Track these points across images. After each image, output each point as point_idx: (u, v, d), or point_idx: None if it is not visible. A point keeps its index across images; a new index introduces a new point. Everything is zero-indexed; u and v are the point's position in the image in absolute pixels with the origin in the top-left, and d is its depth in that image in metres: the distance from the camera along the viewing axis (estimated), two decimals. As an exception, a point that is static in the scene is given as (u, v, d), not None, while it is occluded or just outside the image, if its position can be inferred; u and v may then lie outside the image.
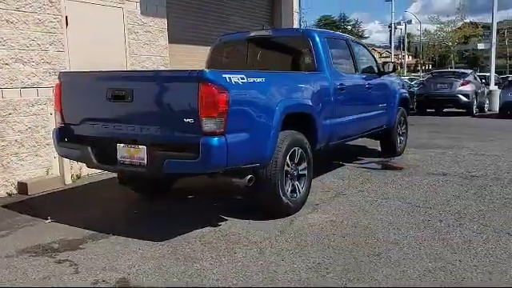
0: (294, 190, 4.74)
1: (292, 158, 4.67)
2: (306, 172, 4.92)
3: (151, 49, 7.75)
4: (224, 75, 3.85)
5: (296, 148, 4.70)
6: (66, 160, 6.22)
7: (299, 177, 4.84)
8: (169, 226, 4.49)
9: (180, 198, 5.65)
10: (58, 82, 4.62)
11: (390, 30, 41.66)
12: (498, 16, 27.11)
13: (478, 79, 19.27)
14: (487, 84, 20.06)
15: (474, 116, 16.67)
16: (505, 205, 5.01)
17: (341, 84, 5.73)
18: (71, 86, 4.55)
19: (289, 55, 5.89)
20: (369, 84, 6.65)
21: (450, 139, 10.30)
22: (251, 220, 4.59)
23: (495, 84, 20.06)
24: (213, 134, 3.75)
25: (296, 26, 11.46)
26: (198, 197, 5.73)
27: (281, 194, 4.51)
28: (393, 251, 3.76)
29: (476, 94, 17.06)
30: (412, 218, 4.61)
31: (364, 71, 6.74)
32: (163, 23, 7.97)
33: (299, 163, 4.82)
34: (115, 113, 4.24)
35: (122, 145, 4.28)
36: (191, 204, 5.47)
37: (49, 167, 6.25)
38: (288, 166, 4.62)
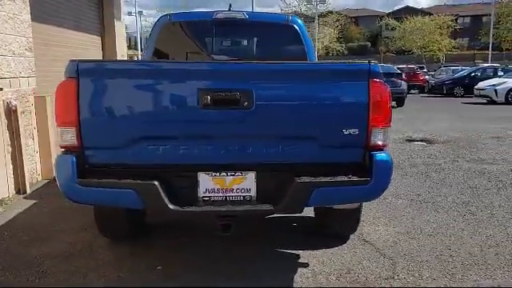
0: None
1: None
2: None
3: (16, 26, 5.35)
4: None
5: None
6: None
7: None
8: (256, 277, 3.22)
9: (167, 237, 4.10)
10: (67, 79, 2.65)
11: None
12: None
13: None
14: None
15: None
16: (486, 191, 5.48)
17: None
18: (105, 85, 2.67)
19: (273, 44, 4.91)
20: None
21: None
22: (318, 250, 3.70)
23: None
24: (381, 147, 2.83)
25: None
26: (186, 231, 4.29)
27: (360, 210, 3.80)
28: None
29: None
30: (458, 217, 4.49)
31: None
32: (25, -10, 5.61)
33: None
34: (212, 126, 2.71)
35: (209, 173, 2.81)
36: (202, 243, 4.02)
37: None
38: None
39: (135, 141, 2.70)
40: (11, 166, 5.12)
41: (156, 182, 2.67)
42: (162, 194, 2.67)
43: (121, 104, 2.69)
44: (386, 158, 2.78)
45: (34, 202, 5.04)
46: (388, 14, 60.09)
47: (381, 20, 62.93)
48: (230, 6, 5.15)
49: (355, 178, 2.76)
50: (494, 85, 19.51)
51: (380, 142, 2.80)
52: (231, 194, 2.84)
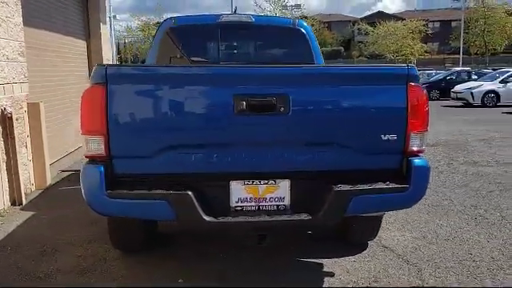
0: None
1: None
2: None
3: (9, 29, 5.11)
4: None
5: None
6: None
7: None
8: None
9: (180, 246, 3.95)
10: (94, 85, 2.50)
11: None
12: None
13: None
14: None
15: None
16: (489, 193, 5.49)
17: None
18: (134, 91, 2.52)
19: (281, 48, 4.84)
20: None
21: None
22: (339, 258, 3.61)
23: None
24: (418, 153, 2.77)
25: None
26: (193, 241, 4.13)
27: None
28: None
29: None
30: (470, 220, 4.48)
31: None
32: (17, -8, 5.37)
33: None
34: (246, 132, 2.60)
35: (241, 181, 2.69)
36: (232, 253, 3.85)
37: None
38: None
39: (166, 149, 2.56)
40: (6, 176, 4.87)
41: (190, 192, 2.54)
42: (196, 205, 2.54)
43: (151, 111, 2.55)
44: (425, 164, 2.73)
45: (32, 213, 4.79)
46: (361, 19, 60.82)
47: (353, 25, 63.72)
48: (236, 9, 5.05)
49: (394, 185, 2.69)
50: (470, 88, 19.92)
51: (418, 148, 2.74)
52: (264, 203, 2.73)
